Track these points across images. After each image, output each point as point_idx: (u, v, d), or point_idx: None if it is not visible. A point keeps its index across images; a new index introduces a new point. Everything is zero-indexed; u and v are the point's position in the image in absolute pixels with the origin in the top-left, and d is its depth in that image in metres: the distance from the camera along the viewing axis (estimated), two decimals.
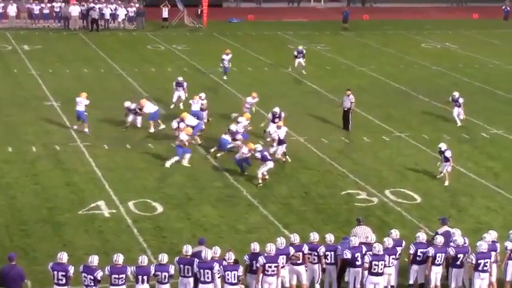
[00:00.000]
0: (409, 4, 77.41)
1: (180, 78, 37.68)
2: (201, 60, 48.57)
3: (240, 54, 51.50)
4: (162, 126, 33.77)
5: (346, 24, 62.35)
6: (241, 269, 19.33)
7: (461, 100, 35.95)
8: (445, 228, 21.70)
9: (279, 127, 30.86)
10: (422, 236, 20.77)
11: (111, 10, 59.19)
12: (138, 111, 33.83)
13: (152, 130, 33.41)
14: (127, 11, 59.82)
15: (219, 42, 55.48)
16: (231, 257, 19.43)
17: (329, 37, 59.05)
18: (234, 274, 19.18)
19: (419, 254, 20.51)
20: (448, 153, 28.83)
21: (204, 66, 46.63)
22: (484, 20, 69.28)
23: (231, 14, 66.56)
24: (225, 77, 43.63)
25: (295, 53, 45.88)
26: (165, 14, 60.79)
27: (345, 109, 34.83)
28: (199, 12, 62.02)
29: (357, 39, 58.67)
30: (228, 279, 19.19)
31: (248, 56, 50.90)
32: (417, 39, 59.20)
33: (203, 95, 35.04)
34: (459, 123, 35.84)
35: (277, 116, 32.45)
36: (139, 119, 33.97)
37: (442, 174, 28.93)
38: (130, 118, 33.96)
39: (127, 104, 34.06)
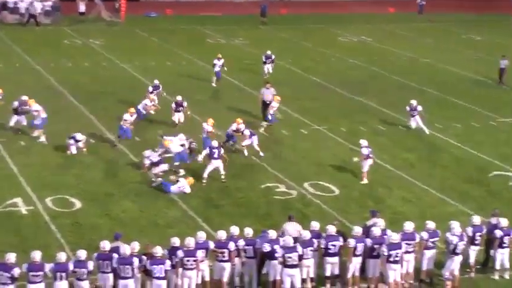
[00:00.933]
0: None
1: (179, 98, 34.21)
2: (118, 55, 48.16)
3: (158, 49, 51.32)
4: (41, 139, 31.58)
5: (264, 19, 62.55)
6: (168, 263, 19.27)
7: (419, 108, 34.64)
8: (374, 220, 21.97)
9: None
10: (331, 229, 20.90)
11: (26, 4, 58.24)
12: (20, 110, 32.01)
13: (38, 136, 31.65)
14: (43, 5, 58.92)
15: (137, 37, 55.23)
16: (158, 251, 19.35)
17: (247, 31, 59.16)
18: (161, 268, 19.13)
19: (329, 246, 20.68)
20: (365, 151, 28.94)
21: (121, 61, 46.35)
22: (399, 13, 70.29)
23: (148, 8, 66.16)
24: (213, 84, 41.29)
25: (264, 59, 43.54)
26: (82, 8, 60.08)
27: (267, 102, 34.95)
28: (116, 7, 61.48)
29: (275, 33, 58.91)
30: (155, 273, 19.14)
31: (166, 51, 50.69)
32: (335, 32, 59.75)
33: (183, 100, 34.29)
34: (427, 131, 34.48)
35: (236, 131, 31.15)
36: (22, 118, 32.30)
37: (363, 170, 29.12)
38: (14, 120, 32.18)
39: (15, 103, 32.20)
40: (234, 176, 28.89)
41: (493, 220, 22.41)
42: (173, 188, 27.10)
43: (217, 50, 50.74)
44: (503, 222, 22.10)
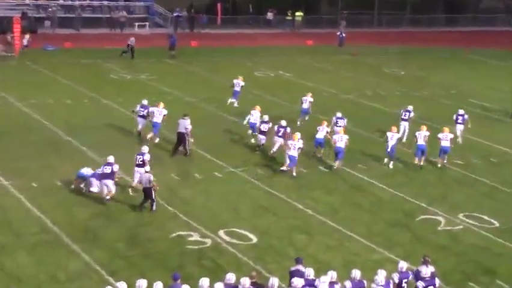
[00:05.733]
0: (239, 30, 78.85)
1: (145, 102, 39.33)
2: (11, 91, 47.59)
3: (57, 85, 50.87)
4: None
5: (173, 52, 62.68)
6: None
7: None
8: (298, 267, 22.17)
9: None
10: (245, 281, 21.02)
11: None
12: None
13: None
14: None
15: (33, 72, 54.68)
16: None
17: (155, 65, 59.21)
18: None
19: None
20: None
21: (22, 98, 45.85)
22: (318, 46, 71.27)
23: (46, 41, 65.63)
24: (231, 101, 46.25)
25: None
26: None
27: (182, 133, 36.33)
28: (9, 40, 60.85)
29: (185, 67, 59.07)
30: None
31: (65, 87, 50.31)
32: (250, 66, 60.20)
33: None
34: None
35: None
36: None
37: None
38: None
39: None
40: (143, 224, 28.75)
41: (421, 268, 22.80)
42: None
43: (122, 85, 50.76)
44: (424, 271, 22.52)
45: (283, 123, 37.24)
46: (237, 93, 46.31)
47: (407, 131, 40.17)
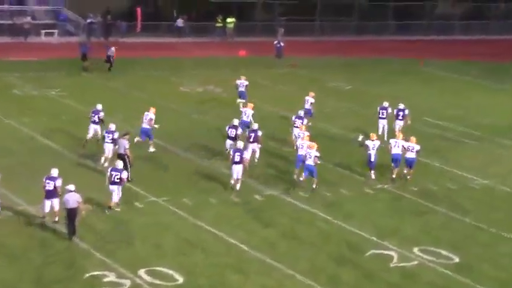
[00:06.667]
0: (162, 39, 78.58)
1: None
2: None
3: None
4: None
5: (86, 63, 62.20)
6: None
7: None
8: None
9: None
10: None
11: None
12: None
13: None
14: None
15: None
16: None
17: (66, 79, 58.74)
18: None
19: None
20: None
21: None
22: (253, 57, 71.40)
23: None
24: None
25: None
26: None
27: (122, 154, 36.60)
28: None
29: (100, 81, 58.68)
30: None
31: None
32: (174, 81, 60.05)
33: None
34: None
35: None
36: None
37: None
38: None
39: None
40: (51, 263, 28.41)
41: None
42: None
43: (27, 102, 50.24)
44: None
45: (255, 126, 39.29)
46: (243, 94, 51.28)
47: (386, 129, 44.47)
